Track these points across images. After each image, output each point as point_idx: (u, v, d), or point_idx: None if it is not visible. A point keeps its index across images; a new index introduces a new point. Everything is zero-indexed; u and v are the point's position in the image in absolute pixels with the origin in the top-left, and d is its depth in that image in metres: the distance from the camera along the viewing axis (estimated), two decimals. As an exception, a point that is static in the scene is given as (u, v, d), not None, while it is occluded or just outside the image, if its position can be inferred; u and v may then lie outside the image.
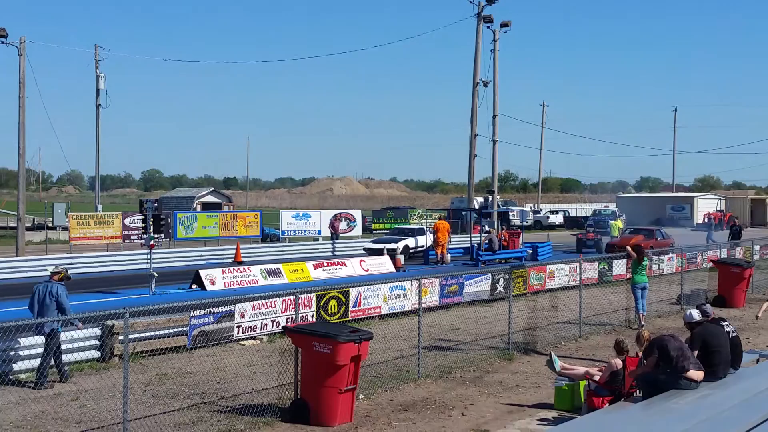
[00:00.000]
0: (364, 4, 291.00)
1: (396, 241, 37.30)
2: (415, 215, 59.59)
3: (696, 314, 12.09)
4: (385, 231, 52.93)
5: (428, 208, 62.81)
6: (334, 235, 43.88)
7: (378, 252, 34.54)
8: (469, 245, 37.06)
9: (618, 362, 11.64)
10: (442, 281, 21.49)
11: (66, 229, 41.49)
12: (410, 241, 37.79)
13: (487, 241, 36.00)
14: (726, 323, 12.28)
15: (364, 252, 36.57)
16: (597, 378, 11.81)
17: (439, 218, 38.64)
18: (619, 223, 47.26)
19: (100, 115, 47.21)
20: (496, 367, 15.22)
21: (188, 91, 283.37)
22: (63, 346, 14.01)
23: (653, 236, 39.12)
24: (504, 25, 38.07)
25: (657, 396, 10.53)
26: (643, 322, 18.93)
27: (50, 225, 51.84)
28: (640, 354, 11.69)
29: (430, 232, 37.51)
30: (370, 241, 38.85)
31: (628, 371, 11.44)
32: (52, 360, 13.65)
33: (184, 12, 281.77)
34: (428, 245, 37.24)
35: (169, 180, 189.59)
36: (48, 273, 14.61)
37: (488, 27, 38.89)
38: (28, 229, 45.37)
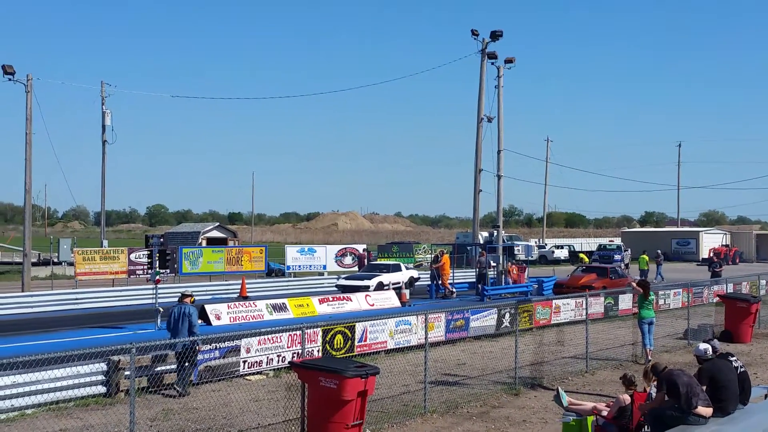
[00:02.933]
0: (368, 39, 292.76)
1: (370, 278, 35.56)
2: (420, 250, 59.57)
3: (708, 349, 12.04)
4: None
5: (433, 243, 62.73)
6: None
7: (351, 289, 32.97)
8: (474, 280, 36.99)
9: (626, 397, 11.57)
10: (448, 316, 21.47)
11: (71, 264, 41.55)
12: (384, 278, 35.84)
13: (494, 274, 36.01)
14: (734, 358, 12.23)
15: (335, 289, 35.26)
16: (605, 413, 11.73)
17: (442, 252, 38.31)
18: (647, 257, 46.94)
19: (106, 151, 47.42)
20: (503, 402, 15.14)
21: (194, 126, 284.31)
22: (67, 382, 14.15)
23: (606, 275, 35.51)
24: (508, 61, 38.19)
25: (665, 432, 10.46)
26: (650, 357, 18.83)
27: (56, 260, 51.92)
28: (648, 389, 11.63)
29: (433, 265, 37.27)
30: (343, 278, 37.44)
31: (637, 406, 11.38)
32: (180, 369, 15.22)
33: (190, 44, 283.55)
34: (405, 281, 36.29)
35: (174, 215, 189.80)
36: (178, 297, 16.65)
37: (492, 63, 39.05)
38: (33, 264, 45.49)
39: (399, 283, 35.60)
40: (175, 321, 16.12)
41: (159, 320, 23.61)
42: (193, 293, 17.21)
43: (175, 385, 15.35)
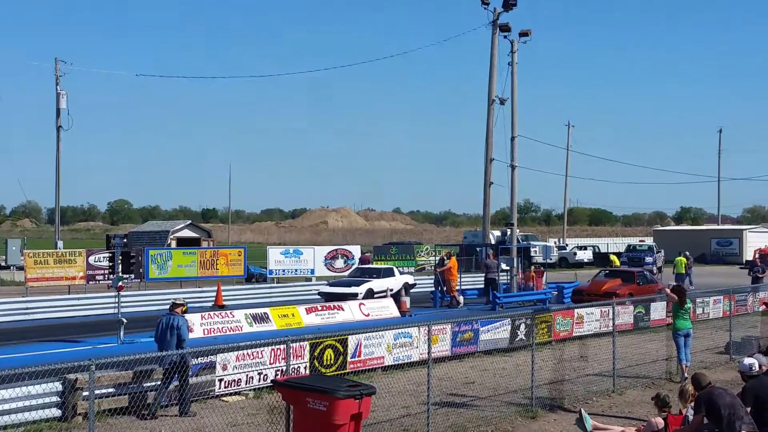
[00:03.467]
0: (363, 7, 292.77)
1: (358, 284, 35.13)
2: (422, 251, 59.60)
3: (754, 364, 12.04)
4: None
5: (437, 243, 62.85)
6: None
7: (336, 297, 32.68)
8: (483, 286, 37.02)
9: (659, 421, 11.60)
10: (455, 327, 21.47)
11: (21, 268, 41.57)
12: (375, 284, 35.49)
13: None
14: (782, 375, 12.24)
15: (318, 297, 34.97)
16: (635, 439, 11.76)
17: (448, 254, 38.25)
18: (684, 260, 46.95)
19: (61, 138, 47.46)
20: (518, 427, 15.15)
21: (161, 112, 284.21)
22: (16, 404, 14.13)
23: (633, 280, 35.23)
24: (523, 34, 38.13)
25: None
26: (686, 375, 18.83)
27: (3, 264, 51.92)
28: (684, 411, 11.65)
29: (437, 268, 37.29)
30: (327, 284, 37.37)
31: (671, 431, 11.39)
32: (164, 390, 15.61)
33: (156, 20, 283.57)
34: (398, 288, 36.24)
35: (140, 212, 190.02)
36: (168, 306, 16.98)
37: (505, 37, 38.99)
38: (-23, 268, 45.43)
39: (392, 289, 35.51)
40: (162, 332, 16.32)
41: (122, 333, 23.61)
42: (184, 302, 17.32)
43: (178, 407, 15.65)
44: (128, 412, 15.18)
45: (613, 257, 55.71)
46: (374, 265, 41.88)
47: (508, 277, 37.46)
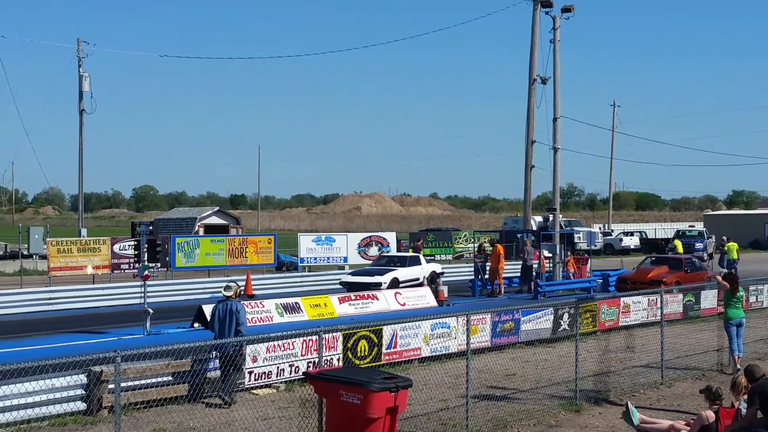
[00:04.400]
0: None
1: (382, 273, 35.26)
2: (460, 238, 59.50)
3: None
4: (426, 257, 52.82)
5: (476, 230, 62.72)
6: None
7: (359, 287, 32.73)
8: (521, 274, 37.01)
9: (710, 414, 11.52)
10: (495, 317, 21.45)
11: (44, 257, 41.84)
12: (400, 273, 35.68)
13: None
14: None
15: (340, 287, 35.08)
16: (684, 433, 11.70)
17: (492, 242, 38.19)
18: (736, 245, 46.61)
19: (84, 122, 47.81)
20: (561, 421, 15.14)
21: (187, 95, 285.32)
22: (40, 397, 14.29)
23: (681, 267, 35.34)
24: (566, 10, 37.92)
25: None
26: (739, 366, 18.73)
27: (25, 253, 52.32)
28: (737, 404, 11.58)
29: (479, 257, 37.28)
30: (349, 273, 37.47)
31: (723, 425, 11.33)
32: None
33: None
34: (425, 277, 36.47)
35: (166, 199, 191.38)
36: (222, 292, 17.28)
37: (547, 13, 38.80)
38: (-1, 257, 45.86)
39: (418, 278, 35.52)
40: (220, 321, 16.59)
41: (148, 324, 23.77)
42: (238, 285, 17.80)
43: (219, 393, 15.97)
44: (189, 400, 15.32)
45: (677, 242, 54.70)
46: (400, 254, 41.92)
47: (551, 265, 37.38)
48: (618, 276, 36.58)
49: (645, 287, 30.17)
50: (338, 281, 36.82)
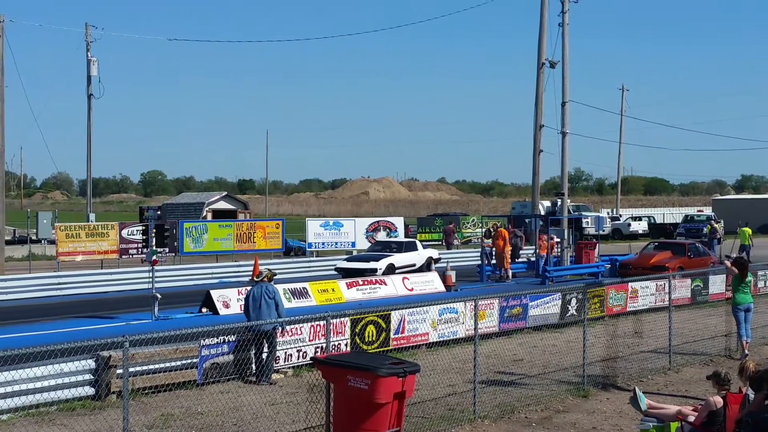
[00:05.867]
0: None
1: (377, 259, 34.62)
2: (468, 223, 59.53)
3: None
4: (433, 242, 52.76)
5: (484, 215, 62.72)
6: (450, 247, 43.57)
7: (354, 273, 32.57)
8: (534, 259, 36.94)
9: (717, 400, 11.50)
10: (503, 302, 21.47)
11: (53, 242, 41.92)
12: (396, 259, 35.11)
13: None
14: None
15: (336, 273, 34.71)
16: (692, 419, 11.68)
17: (495, 226, 38.06)
18: (749, 230, 46.45)
19: (93, 107, 47.77)
20: (569, 406, 15.14)
21: (195, 79, 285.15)
22: (49, 382, 14.37)
23: (684, 253, 35.01)
24: (575, -7, 37.76)
25: (766, 441, 10.39)
26: (747, 351, 18.73)
27: (34, 238, 52.41)
28: (745, 390, 11.56)
29: (488, 240, 37.20)
30: (344, 259, 37.02)
31: (731, 411, 11.31)
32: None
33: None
34: (422, 263, 36.25)
35: (174, 183, 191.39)
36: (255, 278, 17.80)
37: (555, -5, 38.65)
38: (7, 242, 45.97)
39: (414, 264, 35.37)
40: (256, 302, 17.12)
41: (156, 309, 23.82)
42: (270, 270, 18.19)
43: (255, 375, 16.78)
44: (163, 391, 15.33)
45: (715, 225, 52.50)
46: (396, 239, 41.69)
47: (559, 250, 37.33)
48: (620, 261, 36.50)
49: (647, 273, 30.13)
50: (333, 268, 36.36)
